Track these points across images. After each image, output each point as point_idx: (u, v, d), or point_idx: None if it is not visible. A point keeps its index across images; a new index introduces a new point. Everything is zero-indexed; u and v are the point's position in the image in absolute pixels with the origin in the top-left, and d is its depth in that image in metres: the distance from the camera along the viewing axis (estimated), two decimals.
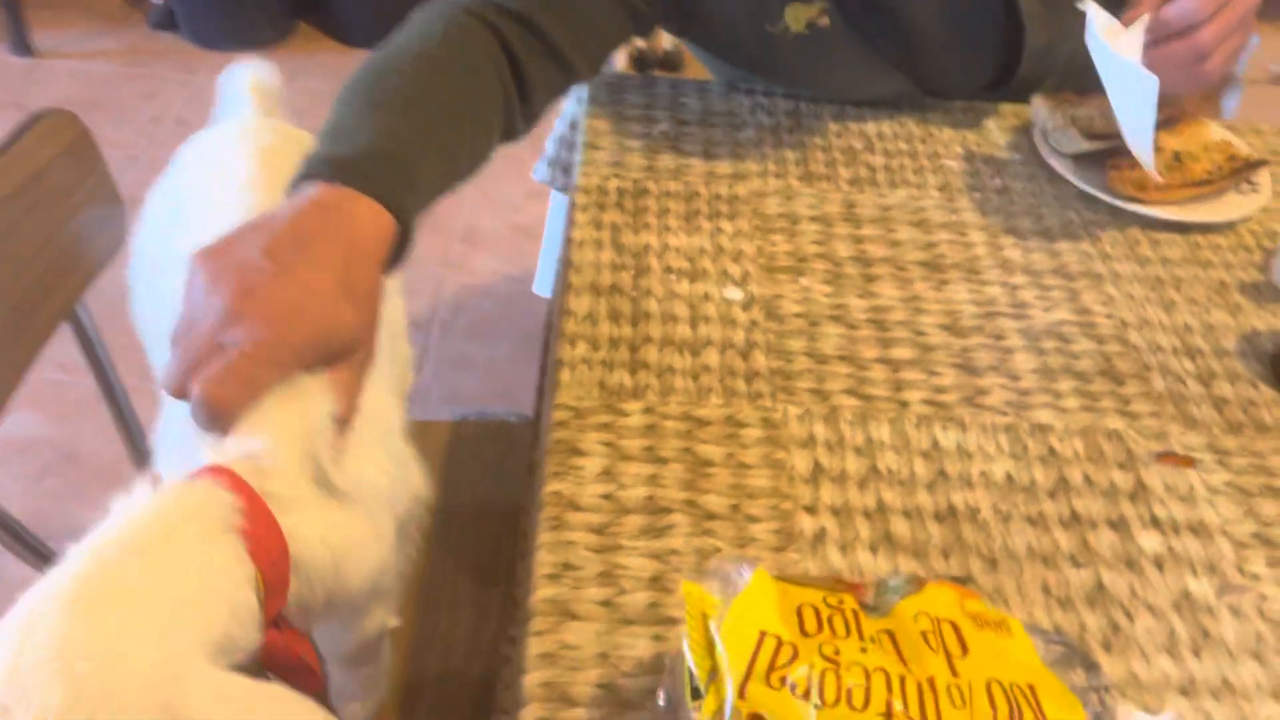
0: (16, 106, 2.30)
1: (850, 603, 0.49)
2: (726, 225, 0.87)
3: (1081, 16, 0.81)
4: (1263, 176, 0.94)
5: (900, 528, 0.65)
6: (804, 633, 0.46)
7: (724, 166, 0.94)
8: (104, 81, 2.41)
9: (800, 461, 0.68)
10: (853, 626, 0.47)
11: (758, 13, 0.91)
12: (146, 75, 2.44)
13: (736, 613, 0.47)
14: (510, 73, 0.79)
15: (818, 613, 0.48)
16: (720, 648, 0.46)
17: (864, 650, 0.46)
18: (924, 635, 0.48)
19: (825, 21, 0.92)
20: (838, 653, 0.46)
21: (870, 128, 1.00)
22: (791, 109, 1.02)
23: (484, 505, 0.82)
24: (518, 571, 0.67)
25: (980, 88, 1.03)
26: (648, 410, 0.71)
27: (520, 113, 0.81)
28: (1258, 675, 0.59)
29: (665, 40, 2.55)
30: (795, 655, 0.45)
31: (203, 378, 0.49)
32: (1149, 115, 0.78)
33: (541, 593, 0.59)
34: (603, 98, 1.01)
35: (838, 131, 0.99)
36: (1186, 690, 0.58)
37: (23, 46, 2.43)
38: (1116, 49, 0.77)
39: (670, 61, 2.54)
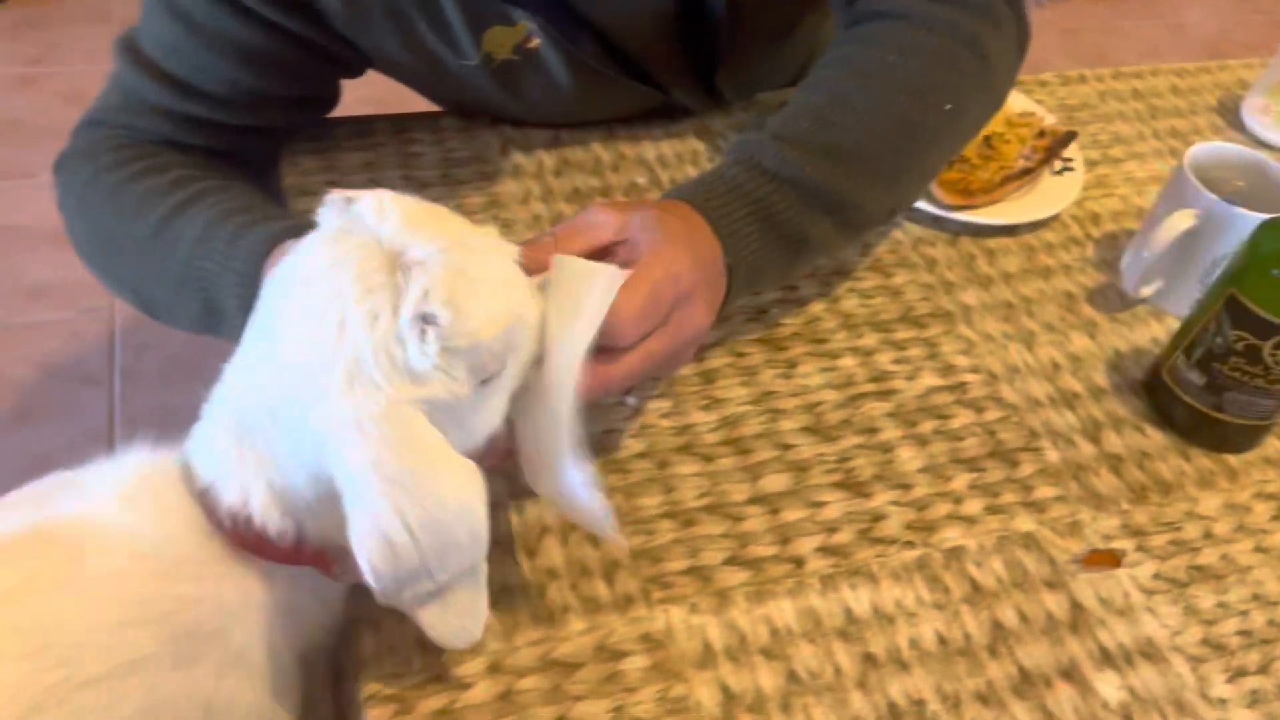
0: None
1: None
2: None
3: None
4: (1074, 151, 0.86)
5: None
6: None
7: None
8: None
9: (705, 693, 0.53)
10: None
11: (441, 53, 0.71)
12: None
13: None
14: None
15: None
16: None
17: None
18: None
19: (535, 44, 0.72)
20: None
21: (649, 152, 0.82)
22: (551, 140, 0.82)
23: None
24: None
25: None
26: (492, 669, 0.53)
27: None
28: None
29: None
30: None
31: None
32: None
33: None
34: (305, 151, 0.77)
35: (613, 164, 0.81)
36: None
37: None
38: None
39: None
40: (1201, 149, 0.75)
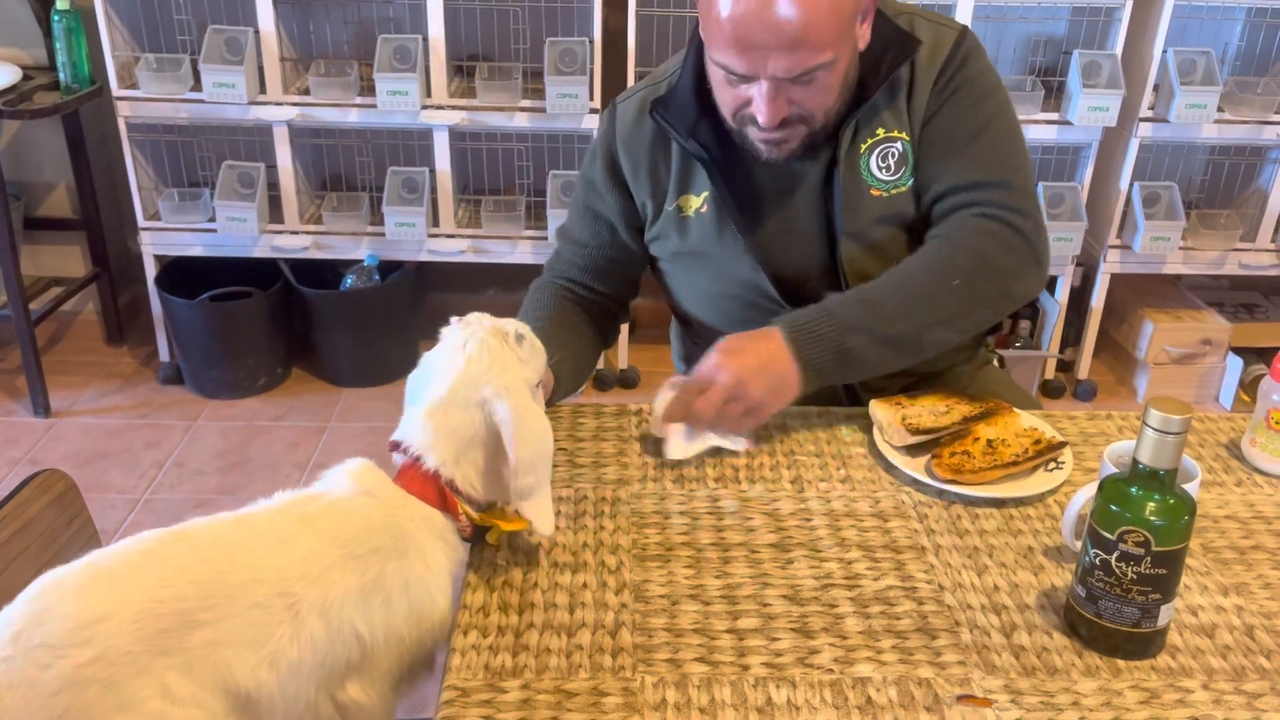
0: (31, 462, 2.53)
1: None
2: (608, 523, 1.03)
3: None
4: (1066, 455, 1.12)
5: None
6: None
7: (610, 473, 1.11)
8: (113, 434, 2.66)
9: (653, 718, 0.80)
10: None
11: (660, 200, 1.29)
12: (152, 425, 2.69)
13: None
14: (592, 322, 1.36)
15: None
16: None
17: None
18: None
19: (705, 209, 1.25)
20: None
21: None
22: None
23: None
24: None
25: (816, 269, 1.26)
26: (524, 687, 0.83)
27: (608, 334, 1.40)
28: None
29: (621, 361, 2.83)
30: None
31: None
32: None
33: None
34: None
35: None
36: None
37: (42, 408, 2.70)
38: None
39: (627, 379, 2.81)
40: (1119, 444, 1.00)
